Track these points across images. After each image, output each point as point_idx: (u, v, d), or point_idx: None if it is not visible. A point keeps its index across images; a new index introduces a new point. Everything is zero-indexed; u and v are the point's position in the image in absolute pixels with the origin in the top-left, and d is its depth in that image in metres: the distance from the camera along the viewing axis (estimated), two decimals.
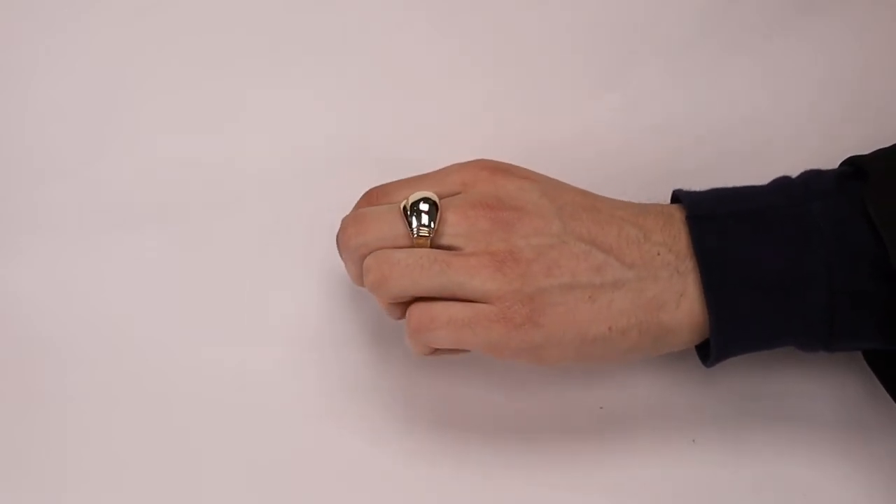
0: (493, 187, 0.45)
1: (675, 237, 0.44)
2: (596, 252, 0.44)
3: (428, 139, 0.53)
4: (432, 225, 0.44)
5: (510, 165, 0.46)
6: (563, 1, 0.53)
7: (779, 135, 0.50)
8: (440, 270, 0.43)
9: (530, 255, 0.43)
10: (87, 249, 0.52)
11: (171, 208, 0.52)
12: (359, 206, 0.47)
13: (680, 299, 0.44)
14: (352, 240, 0.45)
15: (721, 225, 0.44)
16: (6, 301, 0.51)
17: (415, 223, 0.44)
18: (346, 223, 0.46)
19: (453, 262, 0.43)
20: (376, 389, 0.50)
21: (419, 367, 0.50)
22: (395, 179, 0.47)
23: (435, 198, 0.44)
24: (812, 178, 0.45)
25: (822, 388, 0.50)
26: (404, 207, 0.44)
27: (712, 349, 0.45)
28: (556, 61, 0.54)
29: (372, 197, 0.46)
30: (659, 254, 0.44)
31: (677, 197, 0.46)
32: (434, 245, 0.44)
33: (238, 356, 0.50)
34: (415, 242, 0.44)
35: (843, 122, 0.50)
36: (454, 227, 0.44)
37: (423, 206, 0.44)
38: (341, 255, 0.46)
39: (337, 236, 0.46)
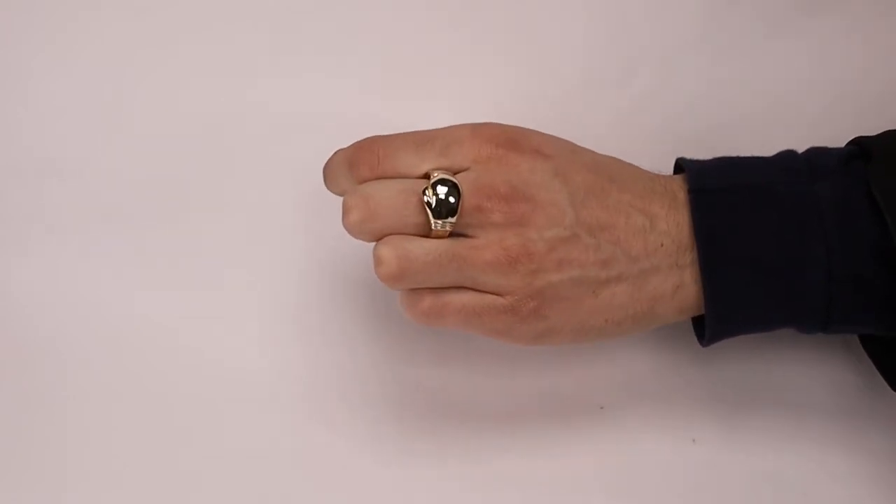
0: (506, 169, 0.43)
1: (679, 224, 0.44)
2: (605, 245, 0.44)
3: None
4: (453, 216, 0.42)
5: (519, 135, 0.45)
6: (563, 1, 0.53)
7: (778, 134, 0.50)
8: (457, 267, 0.43)
9: (543, 248, 0.43)
10: (87, 249, 0.52)
11: (171, 208, 0.52)
12: (354, 161, 0.44)
13: (676, 291, 0.45)
14: (360, 225, 0.43)
15: (722, 199, 0.44)
16: (6, 301, 0.51)
17: (440, 219, 0.42)
18: (352, 204, 0.43)
19: (469, 257, 0.42)
20: (377, 387, 0.50)
21: (420, 367, 0.50)
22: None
23: (455, 181, 0.42)
24: (817, 156, 0.45)
25: (821, 381, 0.50)
26: (427, 201, 0.42)
27: (707, 327, 0.45)
28: (555, 61, 0.54)
29: (372, 154, 0.43)
30: (662, 244, 0.44)
31: (681, 165, 0.46)
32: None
33: (238, 356, 0.50)
34: (434, 233, 0.43)
35: (844, 122, 0.49)
36: (468, 217, 0.43)
37: (451, 199, 0.42)
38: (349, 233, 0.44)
39: (343, 219, 0.43)
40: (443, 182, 0.42)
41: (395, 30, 0.54)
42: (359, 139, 0.45)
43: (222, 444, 0.48)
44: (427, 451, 0.49)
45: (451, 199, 0.42)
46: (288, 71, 0.54)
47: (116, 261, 0.52)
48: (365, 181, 0.43)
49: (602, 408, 0.50)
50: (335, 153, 0.45)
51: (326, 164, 0.45)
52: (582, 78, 0.54)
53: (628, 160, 0.47)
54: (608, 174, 0.45)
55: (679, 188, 0.45)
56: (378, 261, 0.42)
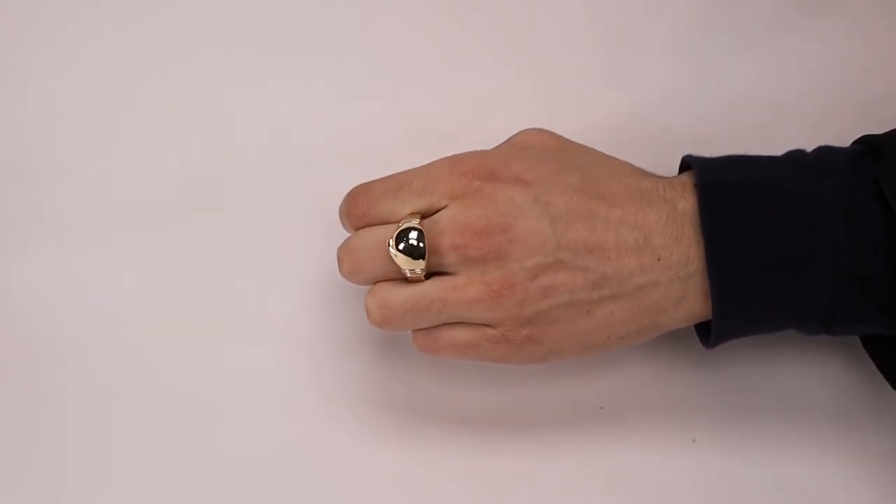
0: (482, 201, 0.43)
1: (679, 236, 0.44)
2: (593, 266, 0.43)
3: (430, 137, 0.53)
4: (422, 262, 0.43)
5: (499, 164, 0.44)
6: (563, 1, 0.53)
7: (779, 134, 0.50)
8: (439, 309, 0.44)
9: (525, 277, 0.43)
10: (87, 249, 0.52)
11: (171, 208, 0.52)
12: (347, 214, 0.46)
13: (679, 303, 0.44)
14: (351, 276, 0.45)
15: (729, 196, 0.43)
16: (6, 301, 0.51)
17: (405, 265, 0.43)
18: (341, 256, 0.45)
19: (449, 297, 0.43)
20: (377, 388, 0.50)
21: (418, 369, 0.50)
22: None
23: (420, 228, 0.43)
24: (825, 154, 0.45)
25: (822, 383, 0.50)
26: (392, 252, 0.43)
27: (713, 328, 0.44)
28: (557, 60, 0.54)
29: (357, 206, 0.45)
30: (660, 258, 0.44)
31: (687, 163, 0.46)
32: (429, 270, 0.44)
33: (238, 356, 0.50)
34: (410, 279, 0.44)
35: (844, 122, 0.49)
36: (445, 257, 0.43)
37: (418, 244, 0.43)
38: None
39: (339, 270, 0.46)
40: (407, 229, 0.43)
41: (395, 30, 0.54)
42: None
43: (222, 444, 0.48)
44: (427, 452, 0.49)
45: (419, 244, 0.43)
46: (288, 71, 0.54)
47: (117, 261, 0.52)
48: (357, 230, 0.46)
49: (602, 408, 0.50)
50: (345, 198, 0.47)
51: (339, 209, 0.47)
52: (582, 78, 0.54)
53: (628, 160, 0.47)
54: (597, 191, 0.44)
55: (679, 195, 0.44)
56: (366, 311, 0.45)
